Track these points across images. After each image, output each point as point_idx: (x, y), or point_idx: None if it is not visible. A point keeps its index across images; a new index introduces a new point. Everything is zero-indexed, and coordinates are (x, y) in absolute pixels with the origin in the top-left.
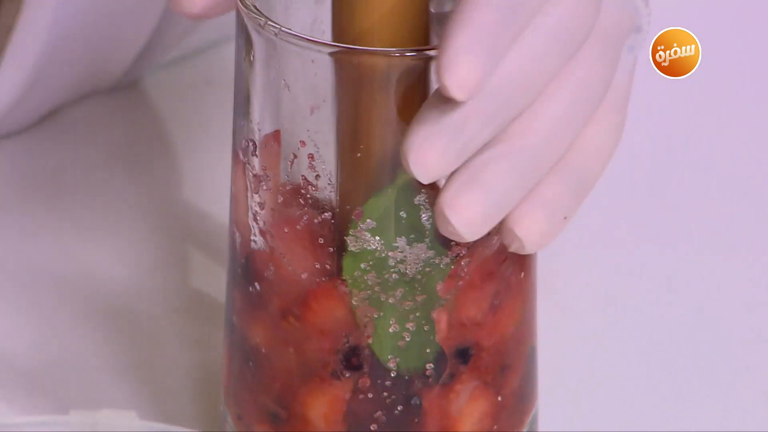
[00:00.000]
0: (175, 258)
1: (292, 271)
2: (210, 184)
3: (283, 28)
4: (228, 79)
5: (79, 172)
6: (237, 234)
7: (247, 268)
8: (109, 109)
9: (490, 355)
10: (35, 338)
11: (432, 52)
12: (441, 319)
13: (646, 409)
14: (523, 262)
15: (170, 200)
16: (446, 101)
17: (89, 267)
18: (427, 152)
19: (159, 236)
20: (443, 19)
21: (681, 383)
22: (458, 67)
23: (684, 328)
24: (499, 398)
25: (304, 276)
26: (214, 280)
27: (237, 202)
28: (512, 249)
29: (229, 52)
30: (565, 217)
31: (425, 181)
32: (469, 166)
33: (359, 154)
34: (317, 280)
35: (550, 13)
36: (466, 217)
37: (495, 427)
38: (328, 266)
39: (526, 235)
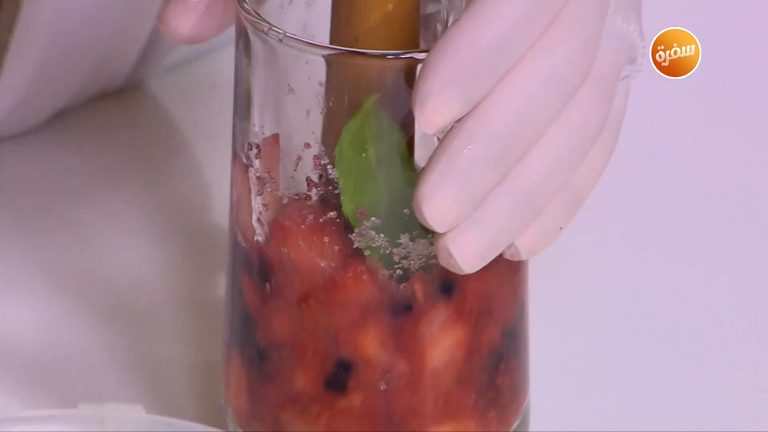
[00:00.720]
0: (180, 257)
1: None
2: (213, 185)
3: (287, 34)
4: (232, 83)
5: (84, 173)
6: (240, 235)
7: (261, 268)
8: (114, 111)
9: (475, 297)
10: (44, 335)
11: None
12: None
13: (641, 411)
14: None
15: (174, 200)
16: (452, 150)
17: (96, 266)
18: (440, 201)
19: (163, 236)
20: (426, 22)
21: (677, 384)
22: (430, 107)
23: (680, 328)
24: (476, 338)
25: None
26: (218, 279)
27: (239, 205)
28: (507, 255)
29: (232, 55)
30: (560, 228)
31: (440, 230)
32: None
33: (364, 154)
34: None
35: (547, 60)
36: (468, 252)
37: (466, 364)
38: (332, 264)
39: (521, 243)
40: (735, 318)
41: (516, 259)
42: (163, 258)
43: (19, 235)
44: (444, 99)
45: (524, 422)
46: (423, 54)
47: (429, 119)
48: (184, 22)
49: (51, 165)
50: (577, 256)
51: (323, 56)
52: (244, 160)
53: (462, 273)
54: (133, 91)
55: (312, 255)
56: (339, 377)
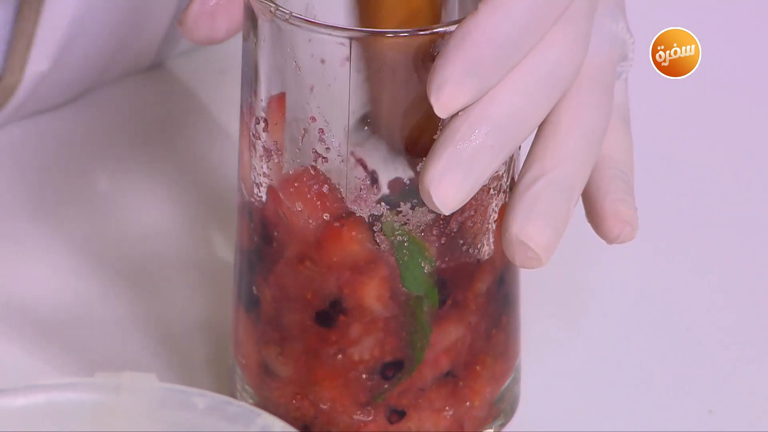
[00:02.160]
0: (192, 227)
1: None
2: (222, 159)
3: (293, 14)
4: (240, 69)
5: (102, 147)
6: (246, 196)
7: (263, 229)
8: (136, 90)
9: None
10: (64, 303)
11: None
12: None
13: (639, 411)
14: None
15: (186, 174)
16: (459, 137)
17: (115, 235)
18: (447, 186)
19: (180, 205)
20: None
21: (675, 384)
22: (446, 94)
23: (678, 328)
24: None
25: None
26: (232, 247)
27: (244, 171)
28: (621, 238)
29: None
30: (636, 209)
31: (446, 212)
32: (523, 202)
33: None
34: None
35: (549, 54)
36: (541, 244)
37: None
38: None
39: (632, 221)
40: (732, 317)
41: (627, 240)
42: (177, 227)
43: (39, 206)
44: (460, 87)
45: (516, 379)
46: (425, 32)
47: (444, 104)
48: (201, 24)
49: (74, 137)
50: (575, 255)
51: (332, 35)
52: (252, 133)
53: (541, 266)
54: (154, 73)
55: (309, 218)
56: (329, 314)
